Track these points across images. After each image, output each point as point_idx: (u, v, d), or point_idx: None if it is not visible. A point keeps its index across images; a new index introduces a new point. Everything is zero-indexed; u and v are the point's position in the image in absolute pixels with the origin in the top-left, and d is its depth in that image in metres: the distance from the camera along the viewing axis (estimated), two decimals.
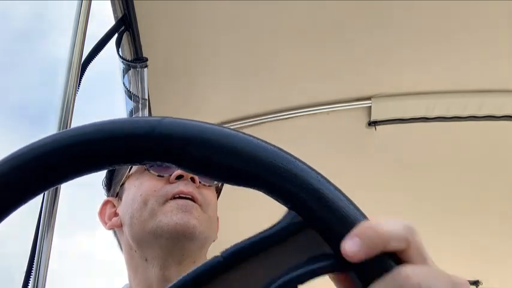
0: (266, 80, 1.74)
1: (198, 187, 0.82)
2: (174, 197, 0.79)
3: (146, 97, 1.48)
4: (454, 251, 2.40)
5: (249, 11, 1.49)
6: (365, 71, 1.72)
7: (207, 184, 0.84)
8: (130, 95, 1.44)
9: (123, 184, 0.87)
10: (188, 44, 1.57)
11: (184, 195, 0.80)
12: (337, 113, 1.84)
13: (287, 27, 1.56)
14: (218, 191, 0.90)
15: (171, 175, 0.81)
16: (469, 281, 2.58)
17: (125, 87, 1.43)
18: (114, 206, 0.88)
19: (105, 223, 0.88)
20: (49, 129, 1.02)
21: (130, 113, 1.50)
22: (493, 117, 1.81)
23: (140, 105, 1.48)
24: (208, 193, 0.84)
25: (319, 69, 1.70)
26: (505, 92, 1.77)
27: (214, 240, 0.86)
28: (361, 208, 0.37)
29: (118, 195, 0.88)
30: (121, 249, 0.88)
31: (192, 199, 0.80)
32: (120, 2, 1.31)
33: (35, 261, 0.93)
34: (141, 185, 0.82)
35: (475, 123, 1.83)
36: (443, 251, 2.39)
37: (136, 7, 1.36)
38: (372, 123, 1.84)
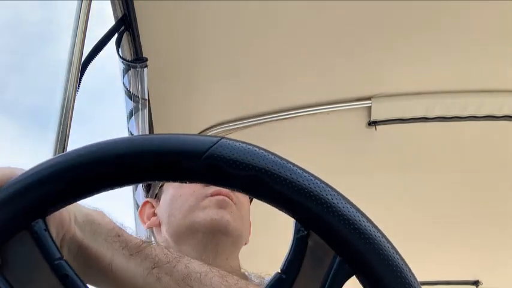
0: (266, 80, 1.74)
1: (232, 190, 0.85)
2: (212, 195, 0.84)
3: (146, 97, 1.48)
4: (454, 251, 2.40)
5: (248, 11, 1.49)
6: (365, 71, 1.72)
7: None
8: (130, 95, 1.44)
9: (161, 186, 0.93)
10: (188, 44, 1.57)
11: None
12: (337, 113, 1.84)
13: (287, 27, 1.56)
14: (251, 198, 0.94)
15: None
16: (469, 281, 2.59)
17: (125, 87, 1.43)
18: (152, 206, 0.93)
19: (144, 222, 0.94)
20: (49, 129, 1.02)
21: (130, 113, 1.50)
22: (493, 117, 1.81)
23: (140, 105, 1.48)
24: (241, 196, 0.88)
25: (319, 69, 1.70)
26: (505, 92, 1.77)
27: (246, 243, 0.91)
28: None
29: (157, 197, 0.94)
30: None
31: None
32: (120, 2, 1.30)
33: None
34: (180, 187, 0.88)
35: (475, 123, 1.83)
36: (443, 251, 2.39)
37: (136, 7, 1.36)
38: (372, 123, 1.84)
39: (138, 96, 1.45)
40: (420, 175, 2.05)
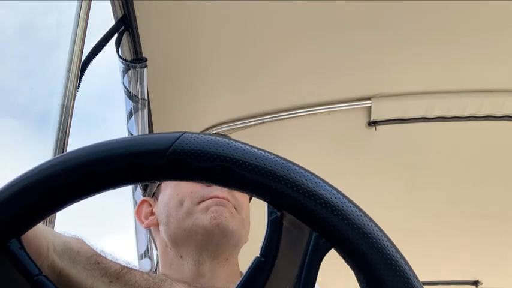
0: (266, 80, 1.74)
1: (231, 190, 0.85)
2: (209, 198, 0.84)
3: (146, 97, 1.48)
4: (454, 251, 2.40)
5: (248, 11, 1.49)
6: (365, 71, 1.72)
7: None
8: (130, 95, 1.44)
9: (159, 185, 0.92)
10: (188, 44, 1.56)
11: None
12: (337, 113, 1.84)
13: (287, 27, 1.56)
14: (250, 196, 0.94)
15: None
16: (469, 281, 2.59)
17: (125, 87, 1.43)
18: (150, 205, 0.92)
19: (141, 222, 0.93)
20: (49, 129, 1.02)
21: (130, 113, 1.50)
22: (493, 117, 1.81)
23: (140, 106, 1.48)
24: (241, 197, 0.88)
25: (319, 69, 1.70)
26: (505, 92, 1.77)
27: (246, 242, 0.90)
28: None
29: (154, 195, 0.92)
30: (155, 246, 0.92)
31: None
32: (120, 2, 1.30)
33: None
34: (177, 185, 0.87)
35: (475, 123, 1.83)
36: (443, 250, 2.39)
37: (136, 7, 1.36)
38: (372, 123, 1.84)
39: (137, 96, 1.45)
40: (420, 175, 2.05)
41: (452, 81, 1.75)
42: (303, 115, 1.84)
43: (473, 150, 1.95)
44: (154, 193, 0.93)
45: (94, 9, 1.12)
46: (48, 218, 0.94)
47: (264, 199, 0.37)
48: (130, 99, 1.46)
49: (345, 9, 1.49)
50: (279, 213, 0.37)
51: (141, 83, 1.42)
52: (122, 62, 1.38)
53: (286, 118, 1.85)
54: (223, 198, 0.84)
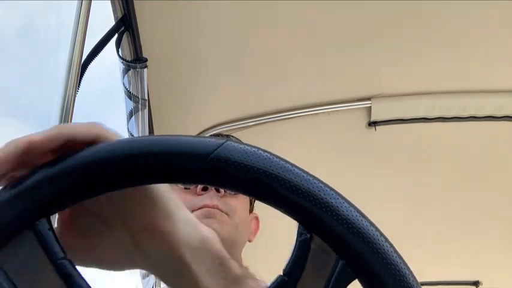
0: (266, 80, 1.74)
1: (223, 196, 0.87)
2: (199, 208, 0.84)
3: (146, 97, 1.48)
4: (454, 251, 2.40)
5: (248, 11, 1.49)
6: (365, 71, 1.72)
7: (233, 193, 0.88)
8: (130, 95, 1.44)
9: None
10: (188, 44, 1.57)
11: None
12: (337, 113, 1.84)
13: (287, 27, 1.56)
14: (251, 203, 0.96)
15: (196, 186, 0.87)
16: (469, 281, 2.59)
17: (125, 87, 1.43)
18: None
19: None
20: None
21: (130, 113, 1.50)
22: (493, 118, 1.81)
23: (140, 106, 1.48)
24: (234, 202, 0.88)
25: (319, 69, 1.70)
26: (505, 92, 1.77)
27: (250, 241, 0.92)
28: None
29: None
30: None
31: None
32: (120, 2, 1.30)
33: None
34: None
35: (475, 123, 1.83)
36: (443, 251, 2.39)
37: (136, 7, 1.36)
38: (372, 124, 1.84)
39: (138, 97, 1.45)
40: (420, 175, 2.05)
41: (452, 81, 1.75)
42: (303, 115, 1.84)
43: (473, 150, 1.95)
44: None
45: (94, 10, 1.12)
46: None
47: (295, 218, 0.37)
48: (131, 100, 1.46)
49: (344, 9, 1.49)
50: (308, 235, 0.37)
51: (141, 83, 1.42)
52: (122, 62, 1.38)
53: (286, 118, 1.85)
54: (213, 206, 0.84)
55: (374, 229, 0.36)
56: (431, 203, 2.15)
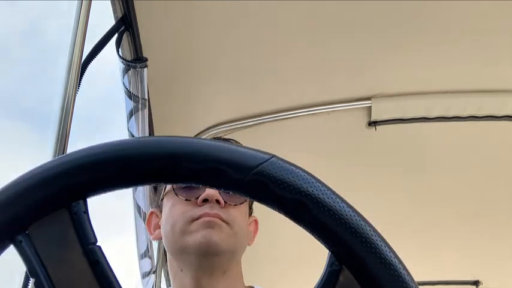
0: (266, 80, 1.74)
1: (224, 207, 0.87)
2: (199, 217, 0.85)
3: (146, 97, 1.48)
4: (455, 251, 2.40)
5: (249, 11, 1.49)
6: (365, 71, 1.72)
7: (233, 203, 0.89)
8: (130, 95, 1.44)
9: (162, 199, 0.95)
10: (188, 44, 1.57)
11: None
12: (337, 113, 1.84)
13: (287, 27, 1.56)
14: (250, 207, 0.97)
15: (197, 198, 0.87)
16: (469, 281, 2.59)
17: (125, 87, 1.43)
18: (157, 217, 0.96)
19: (151, 233, 0.97)
20: (49, 129, 1.02)
21: (130, 113, 1.50)
22: (493, 117, 1.81)
23: (140, 105, 1.48)
24: (234, 211, 0.89)
25: (319, 69, 1.70)
26: (505, 92, 1.77)
27: (249, 244, 0.93)
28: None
29: (160, 207, 0.96)
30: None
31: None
32: (120, 2, 1.30)
33: None
34: (172, 206, 0.89)
35: (475, 123, 1.83)
36: (443, 250, 2.39)
37: (136, 7, 1.36)
38: (372, 123, 1.84)
39: (138, 96, 1.45)
40: (420, 175, 2.05)
41: (452, 81, 1.76)
42: (303, 115, 1.84)
43: (474, 150, 1.95)
44: (160, 205, 0.96)
45: (94, 10, 1.12)
46: None
47: (327, 246, 0.37)
48: (131, 99, 1.46)
49: (345, 9, 1.49)
50: (339, 267, 0.36)
51: (141, 82, 1.42)
52: (122, 62, 1.38)
53: (286, 118, 1.85)
54: (214, 215, 0.85)
55: (406, 272, 0.36)
56: (431, 203, 2.15)
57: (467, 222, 2.22)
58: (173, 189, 0.89)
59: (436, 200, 2.13)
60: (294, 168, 0.37)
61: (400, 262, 0.36)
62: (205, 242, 0.82)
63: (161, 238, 0.92)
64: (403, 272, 0.35)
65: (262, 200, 0.38)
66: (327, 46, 1.62)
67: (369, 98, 1.80)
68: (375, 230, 0.36)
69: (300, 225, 0.37)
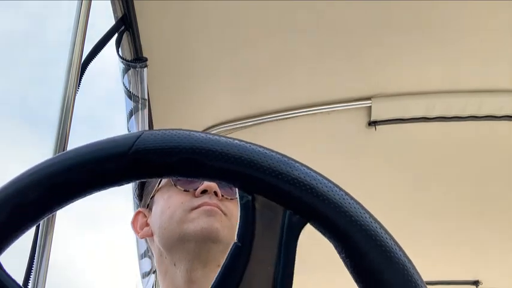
0: (266, 80, 1.74)
1: (221, 200, 0.89)
2: (199, 206, 0.87)
3: (146, 97, 1.48)
4: (454, 251, 2.40)
5: (249, 11, 1.49)
6: (365, 71, 1.72)
7: (229, 197, 0.90)
8: (130, 95, 1.44)
9: (153, 196, 0.95)
10: (188, 44, 1.57)
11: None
12: (337, 113, 1.84)
13: (287, 27, 1.56)
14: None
15: (196, 189, 0.88)
16: (469, 281, 2.59)
17: (125, 87, 1.43)
18: (145, 216, 0.96)
19: (137, 232, 0.96)
20: (49, 129, 1.02)
21: (130, 113, 1.50)
22: (493, 117, 1.81)
23: (140, 105, 1.48)
24: (230, 205, 0.90)
25: (319, 69, 1.71)
26: (505, 92, 1.77)
27: None
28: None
29: (148, 207, 0.96)
30: (152, 255, 0.95)
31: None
32: (120, 2, 1.31)
33: (35, 259, 0.93)
34: (169, 198, 0.90)
35: (475, 123, 1.83)
36: (443, 250, 2.39)
37: (136, 7, 1.36)
38: (372, 123, 1.84)
39: (137, 96, 1.45)
40: (420, 175, 2.05)
41: (452, 81, 1.76)
42: (303, 115, 1.84)
43: (473, 150, 1.95)
44: (148, 204, 0.96)
45: (94, 9, 1.12)
46: (48, 219, 0.94)
47: (234, 185, 0.38)
48: (131, 99, 1.46)
49: (344, 9, 1.49)
50: (250, 197, 0.37)
51: (141, 82, 1.42)
52: (122, 62, 1.38)
53: (286, 118, 1.85)
54: (214, 205, 0.86)
55: (310, 171, 0.37)
56: (431, 203, 2.15)
57: (467, 222, 2.22)
58: (172, 180, 0.90)
59: (436, 200, 2.13)
60: (168, 132, 0.38)
61: (299, 163, 0.37)
62: (208, 227, 0.83)
63: (150, 235, 0.92)
64: (303, 171, 0.37)
65: (155, 175, 0.38)
66: (327, 46, 1.62)
67: (369, 98, 1.80)
68: (263, 147, 0.38)
69: (199, 178, 0.39)
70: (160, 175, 0.38)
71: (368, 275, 0.36)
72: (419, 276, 0.37)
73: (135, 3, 1.35)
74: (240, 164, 0.36)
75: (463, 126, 1.85)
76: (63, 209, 0.39)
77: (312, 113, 1.84)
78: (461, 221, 2.22)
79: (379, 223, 0.37)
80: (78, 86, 1.07)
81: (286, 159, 0.37)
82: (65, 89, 1.04)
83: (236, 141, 0.38)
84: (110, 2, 1.30)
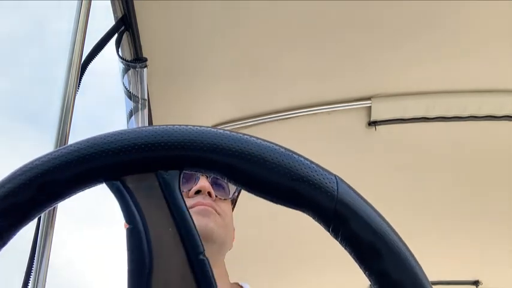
0: (266, 80, 1.74)
1: (214, 200, 0.90)
2: (193, 206, 0.87)
3: (146, 97, 1.48)
4: (455, 251, 2.40)
5: (248, 11, 1.49)
6: (365, 71, 1.72)
7: (223, 198, 0.92)
8: (130, 95, 1.44)
9: None
10: (188, 44, 1.57)
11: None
12: (337, 113, 1.84)
13: (287, 27, 1.56)
14: (233, 203, 0.99)
15: (190, 190, 0.89)
16: (469, 281, 2.59)
17: (125, 87, 1.43)
18: None
19: None
20: (49, 129, 1.02)
21: (130, 113, 1.50)
22: (493, 117, 1.81)
23: (140, 105, 1.48)
24: (224, 205, 0.92)
25: (319, 69, 1.70)
26: (505, 92, 1.77)
27: (230, 249, 0.94)
28: None
29: None
30: None
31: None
32: (120, 2, 1.31)
33: (35, 259, 0.93)
34: None
35: (475, 123, 1.83)
36: (443, 251, 2.39)
37: (136, 7, 1.36)
38: (372, 123, 1.84)
39: (137, 96, 1.45)
40: (420, 175, 2.05)
41: (452, 81, 1.76)
42: (303, 115, 1.84)
43: (473, 150, 1.95)
44: None
45: (94, 9, 1.12)
46: (49, 214, 0.94)
47: (99, 181, 0.38)
48: (131, 99, 1.46)
49: (344, 9, 1.49)
50: (118, 182, 0.38)
51: (141, 83, 1.42)
52: (122, 62, 1.38)
53: (286, 118, 1.85)
54: (208, 204, 0.87)
55: (158, 128, 0.38)
56: (431, 203, 2.15)
57: (467, 222, 2.22)
58: None
59: (436, 200, 2.13)
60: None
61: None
62: (203, 226, 0.84)
63: None
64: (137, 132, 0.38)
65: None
66: (327, 46, 1.62)
67: (368, 98, 1.80)
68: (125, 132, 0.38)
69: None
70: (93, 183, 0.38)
71: (248, 181, 0.37)
72: None
73: (135, 3, 1.35)
74: (91, 162, 0.37)
75: (463, 126, 1.85)
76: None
77: (312, 113, 1.84)
78: (461, 221, 2.22)
79: (237, 134, 0.38)
80: (78, 86, 1.07)
81: (123, 132, 0.38)
82: (64, 88, 1.04)
83: (71, 145, 0.38)
84: (110, 2, 1.30)
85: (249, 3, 1.46)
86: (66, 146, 0.38)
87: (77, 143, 0.38)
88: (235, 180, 0.38)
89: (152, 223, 0.37)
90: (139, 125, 1.53)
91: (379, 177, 2.06)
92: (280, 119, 1.85)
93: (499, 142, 1.92)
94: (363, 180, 2.03)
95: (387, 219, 0.40)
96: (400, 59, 1.67)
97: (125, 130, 0.38)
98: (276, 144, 0.39)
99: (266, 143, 0.38)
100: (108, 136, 0.38)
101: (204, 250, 0.38)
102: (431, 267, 2.54)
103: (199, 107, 1.80)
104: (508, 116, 1.80)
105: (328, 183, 0.37)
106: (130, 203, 0.38)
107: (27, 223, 0.38)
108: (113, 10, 1.31)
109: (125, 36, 1.35)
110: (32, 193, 0.36)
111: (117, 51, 1.35)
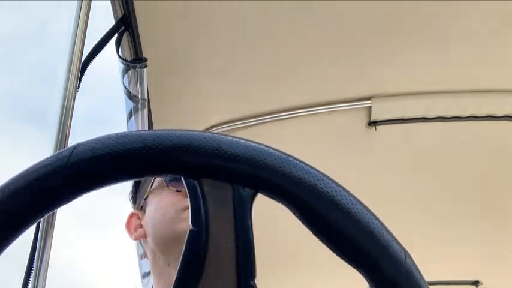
0: (266, 80, 1.74)
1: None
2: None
3: (146, 97, 1.48)
4: (454, 251, 2.40)
5: (248, 11, 1.49)
6: (365, 71, 1.72)
7: None
8: (129, 95, 1.44)
9: (146, 198, 0.96)
10: (188, 44, 1.57)
11: None
12: (337, 113, 1.84)
13: (287, 27, 1.56)
14: None
15: (181, 191, 0.90)
16: (469, 281, 2.59)
17: (125, 87, 1.43)
18: (139, 218, 0.97)
19: (131, 234, 0.97)
20: (49, 129, 1.02)
21: (130, 113, 1.50)
22: (493, 117, 1.81)
23: (140, 106, 1.48)
24: None
25: (319, 69, 1.70)
26: (505, 92, 1.77)
27: None
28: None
29: (142, 208, 0.97)
30: (146, 257, 0.96)
31: None
32: (120, 2, 1.31)
33: (35, 260, 0.93)
34: (161, 199, 0.91)
35: (475, 123, 1.83)
36: (443, 251, 2.39)
37: (136, 7, 1.36)
38: (372, 123, 1.84)
39: (137, 97, 1.45)
40: (420, 175, 2.05)
41: (452, 81, 1.75)
42: (303, 115, 1.84)
43: (473, 150, 1.95)
44: (142, 206, 0.96)
45: (94, 9, 1.12)
46: (49, 217, 0.94)
47: (177, 174, 0.39)
48: (130, 99, 1.46)
49: (344, 9, 1.49)
50: (196, 181, 0.38)
51: (141, 83, 1.42)
52: (122, 62, 1.38)
53: (286, 118, 1.85)
54: None
55: (249, 143, 0.38)
56: (431, 203, 2.15)
57: (467, 222, 2.22)
58: (164, 181, 0.91)
59: (436, 200, 2.13)
60: (98, 140, 0.38)
61: (236, 139, 0.39)
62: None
63: (144, 237, 0.93)
64: (244, 147, 0.38)
65: (97, 185, 0.38)
66: (327, 46, 1.62)
67: (368, 98, 1.80)
68: (197, 132, 0.39)
69: (140, 178, 0.39)
70: (102, 184, 0.38)
71: (324, 229, 0.37)
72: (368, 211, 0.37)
73: (135, 3, 1.35)
74: (181, 153, 0.37)
75: (463, 126, 1.85)
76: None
77: (312, 113, 1.84)
78: (462, 221, 2.22)
79: (329, 179, 0.38)
80: (78, 86, 1.07)
81: (218, 137, 0.38)
82: (64, 88, 1.04)
83: (164, 131, 0.38)
84: (109, 2, 1.30)
85: (250, 4, 1.46)
86: (171, 131, 0.38)
87: (183, 132, 0.38)
88: (308, 225, 0.38)
89: (214, 232, 0.37)
90: (139, 125, 1.53)
91: (379, 177, 2.05)
92: (280, 119, 1.85)
93: (499, 142, 1.92)
94: (363, 180, 2.03)
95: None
96: (400, 59, 1.67)
97: (227, 137, 0.39)
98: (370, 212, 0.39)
99: (363, 208, 0.39)
100: (213, 138, 0.38)
101: (255, 277, 0.38)
102: (432, 267, 2.55)
103: (199, 107, 1.80)
104: (508, 116, 1.80)
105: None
106: (201, 205, 0.38)
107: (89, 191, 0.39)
108: (113, 10, 1.31)
109: (124, 36, 1.35)
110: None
111: (117, 51, 1.35)
